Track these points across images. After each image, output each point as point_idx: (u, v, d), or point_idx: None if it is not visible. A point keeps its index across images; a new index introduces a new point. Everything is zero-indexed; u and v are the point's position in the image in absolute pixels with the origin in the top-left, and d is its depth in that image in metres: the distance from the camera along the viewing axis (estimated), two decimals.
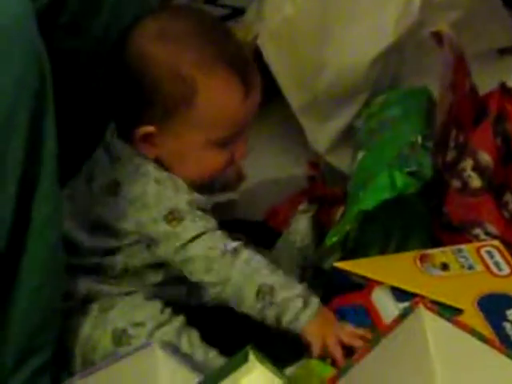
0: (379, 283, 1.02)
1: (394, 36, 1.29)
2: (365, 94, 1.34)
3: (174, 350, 0.93)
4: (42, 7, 0.93)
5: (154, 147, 0.98)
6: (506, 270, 1.04)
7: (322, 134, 1.35)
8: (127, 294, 1.02)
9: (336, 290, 1.04)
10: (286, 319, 0.95)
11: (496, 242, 1.09)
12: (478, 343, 0.81)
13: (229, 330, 1.02)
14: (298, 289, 0.96)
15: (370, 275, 1.03)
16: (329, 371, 0.93)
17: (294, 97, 1.33)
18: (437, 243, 1.12)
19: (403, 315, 0.83)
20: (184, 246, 0.96)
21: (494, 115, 1.17)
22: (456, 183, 1.15)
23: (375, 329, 0.97)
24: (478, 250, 1.06)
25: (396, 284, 1.01)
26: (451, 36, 1.17)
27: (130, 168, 0.98)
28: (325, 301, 1.01)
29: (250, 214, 1.32)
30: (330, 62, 1.30)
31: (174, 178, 0.98)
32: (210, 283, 0.97)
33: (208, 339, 1.01)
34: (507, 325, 0.95)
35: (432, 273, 1.03)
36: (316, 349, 0.95)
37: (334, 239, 1.11)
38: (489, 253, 1.06)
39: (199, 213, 0.97)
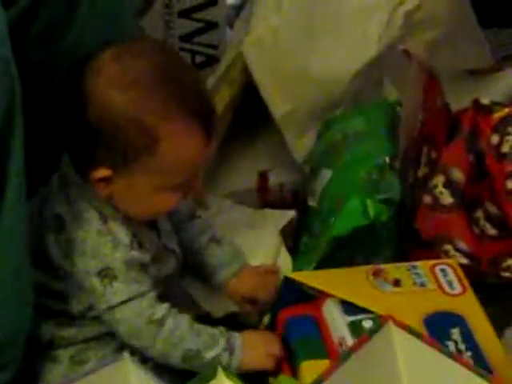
0: (331, 296, 1.02)
1: (376, 51, 1.30)
2: (344, 107, 1.35)
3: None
4: (14, 17, 0.92)
5: (107, 186, 0.95)
6: (458, 289, 1.03)
7: (301, 145, 1.36)
8: (92, 339, 1.01)
9: (286, 301, 1.04)
10: None
11: (452, 261, 1.08)
12: (447, 360, 0.81)
13: None
14: (222, 343, 0.97)
15: (321, 287, 1.02)
16: None
17: (276, 106, 1.33)
18: (406, 258, 1.12)
19: (372, 331, 0.83)
20: (111, 308, 0.95)
21: (467, 132, 1.18)
22: (427, 199, 1.15)
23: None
24: (432, 268, 1.06)
25: (346, 298, 1.01)
26: (419, 56, 1.18)
27: (75, 209, 0.96)
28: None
29: None
30: (313, 74, 1.30)
31: (116, 231, 0.96)
32: (134, 346, 0.97)
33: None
34: (451, 344, 0.94)
35: (383, 288, 1.03)
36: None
37: (310, 267, 1.12)
38: (443, 271, 1.05)
39: (133, 274, 0.96)
